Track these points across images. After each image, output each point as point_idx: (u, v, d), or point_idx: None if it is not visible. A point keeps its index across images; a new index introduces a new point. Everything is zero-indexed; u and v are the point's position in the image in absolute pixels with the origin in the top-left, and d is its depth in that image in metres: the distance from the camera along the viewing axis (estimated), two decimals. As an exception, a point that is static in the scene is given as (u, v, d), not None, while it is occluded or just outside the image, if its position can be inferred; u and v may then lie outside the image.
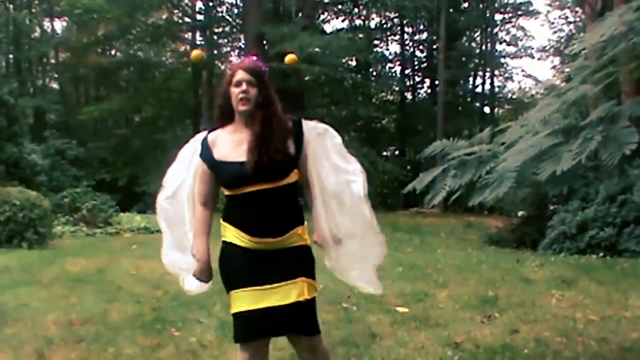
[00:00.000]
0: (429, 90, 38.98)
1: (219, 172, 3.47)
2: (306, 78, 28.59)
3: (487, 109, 37.45)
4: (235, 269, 3.49)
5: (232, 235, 3.47)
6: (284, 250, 3.46)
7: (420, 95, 39.82)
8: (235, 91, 3.44)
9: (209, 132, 3.59)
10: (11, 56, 33.79)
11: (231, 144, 3.47)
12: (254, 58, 3.59)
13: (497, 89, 38.59)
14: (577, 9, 31.78)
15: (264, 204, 3.40)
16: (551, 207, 15.87)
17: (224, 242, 3.54)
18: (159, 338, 5.59)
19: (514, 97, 39.65)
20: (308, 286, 3.49)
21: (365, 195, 3.59)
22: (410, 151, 35.30)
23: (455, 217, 23.44)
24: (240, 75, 3.45)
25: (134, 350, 5.25)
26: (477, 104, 37.80)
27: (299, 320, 3.48)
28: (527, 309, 6.52)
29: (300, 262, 3.51)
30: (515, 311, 6.40)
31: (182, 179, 3.67)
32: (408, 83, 38.96)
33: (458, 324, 5.92)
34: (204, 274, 3.58)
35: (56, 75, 37.25)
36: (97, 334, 5.73)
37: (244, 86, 3.42)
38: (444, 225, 21.02)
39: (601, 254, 11.31)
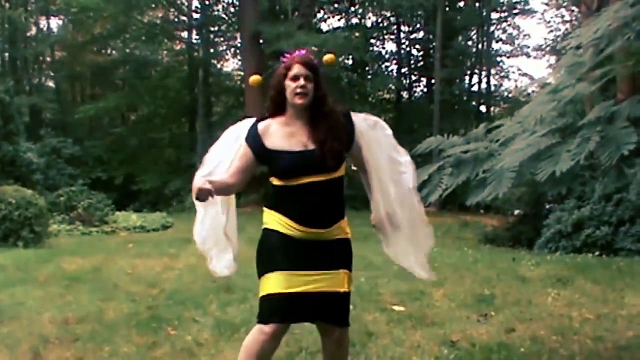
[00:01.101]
0: (425, 89, 38.97)
1: (272, 162, 3.49)
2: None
3: (483, 108, 37.47)
4: (276, 251, 3.49)
5: (278, 223, 3.50)
6: (327, 242, 3.50)
7: (416, 94, 39.82)
8: (292, 85, 3.46)
9: (258, 120, 3.59)
10: (7, 54, 33.73)
11: (284, 135, 3.50)
12: (305, 52, 3.62)
13: (493, 88, 38.63)
14: (574, 8, 31.86)
15: (318, 195, 3.45)
16: (547, 206, 15.92)
17: (266, 229, 3.56)
18: (155, 337, 5.58)
19: (510, 96, 39.64)
20: (349, 279, 3.56)
21: (415, 188, 3.70)
22: (406, 150, 35.22)
23: (452, 216, 23.46)
24: (298, 69, 3.47)
25: (130, 349, 5.24)
26: (474, 103, 37.82)
27: (335, 311, 3.53)
28: (523, 307, 6.53)
29: (343, 255, 3.57)
30: (512, 310, 6.40)
31: (221, 160, 3.66)
32: (404, 82, 38.97)
33: (454, 323, 5.92)
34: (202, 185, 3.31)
35: (52, 74, 37.21)
36: (93, 333, 5.72)
37: (302, 81, 3.45)
38: (440, 224, 21.00)
39: (597, 253, 11.34)
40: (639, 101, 4.31)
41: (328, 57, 3.92)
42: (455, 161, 5.00)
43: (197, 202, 3.63)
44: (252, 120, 3.63)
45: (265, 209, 3.60)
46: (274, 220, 3.52)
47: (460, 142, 5.29)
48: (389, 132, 3.74)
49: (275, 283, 3.45)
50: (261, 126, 3.55)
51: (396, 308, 6.50)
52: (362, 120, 3.66)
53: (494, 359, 4.89)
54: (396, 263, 3.83)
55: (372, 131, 3.66)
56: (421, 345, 5.20)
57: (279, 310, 3.44)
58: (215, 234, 3.74)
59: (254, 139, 3.52)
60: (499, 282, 7.86)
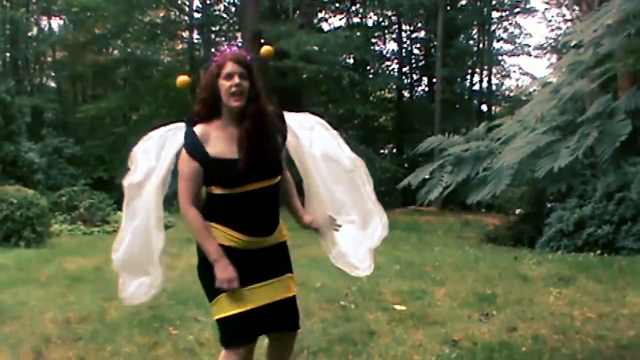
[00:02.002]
0: (426, 88, 39.01)
1: (214, 170, 3.25)
2: (303, 76, 28.55)
3: (484, 107, 37.47)
4: None
5: (220, 236, 3.31)
6: (269, 248, 3.39)
7: (417, 93, 39.83)
8: (226, 84, 3.23)
9: (192, 124, 3.32)
10: (8, 54, 33.70)
11: (226, 140, 3.28)
12: (236, 48, 3.41)
13: (494, 87, 38.62)
14: (575, 6, 31.82)
15: (261, 202, 3.30)
16: (549, 205, 15.92)
17: None
18: (157, 336, 5.59)
19: (511, 94, 39.66)
20: (293, 282, 3.51)
21: (368, 183, 3.58)
22: (407, 149, 35.22)
23: (453, 215, 23.46)
24: (231, 67, 3.24)
25: (131, 348, 5.25)
26: (475, 102, 37.82)
27: (287, 316, 3.46)
28: (524, 306, 6.53)
29: (284, 259, 3.49)
30: (513, 309, 6.41)
31: (151, 167, 3.35)
32: (405, 81, 38.96)
33: (456, 322, 5.92)
34: (230, 274, 3.25)
35: (53, 74, 37.23)
36: (94, 333, 5.73)
37: (237, 79, 3.22)
38: (441, 223, 21.03)
39: (599, 252, 11.33)
40: (636, 91, 4.32)
41: (265, 49, 3.70)
42: (455, 159, 5.02)
43: (125, 212, 3.45)
44: (182, 126, 3.36)
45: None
46: (216, 233, 3.32)
47: (461, 140, 5.31)
48: (332, 131, 3.56)
49: (229, 304, 3.29)
50: (199, 131, 3.28)
51: (397, 307, 6.50)
52: (296, 121, 3.51)
53: (495, 357, 4.89)
54: (333, 262, 3.69)
55: (306, 132, 3.51)
56: (422, 344, 5.21)
57: (242, 332, 3.33)
58: (136, 254, 3.47)
59: (197, 149, 3.25)
60: (500, 281, 7.86)
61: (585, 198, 12.99)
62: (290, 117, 3.50)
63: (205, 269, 3.36)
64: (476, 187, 4.94)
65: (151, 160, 3.36)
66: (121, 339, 5.50)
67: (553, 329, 5.65)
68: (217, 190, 3.31)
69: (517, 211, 19.16)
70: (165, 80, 34.44)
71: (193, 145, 3.26)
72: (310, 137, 3.51)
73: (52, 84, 37.82)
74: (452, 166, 4.97)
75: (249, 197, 3.27)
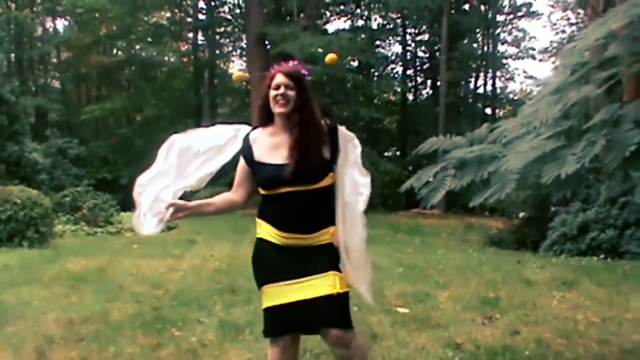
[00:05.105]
0: (430, 91, 39.05)
1: (256, 172, 3.59)
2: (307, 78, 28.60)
3: (488, 110, 37.51)
4: (266, 264, 3.59)
5: (265, 232, 3.58)
6: (315, 247, 3.52)
7: (421, 96, 39.88)
8: (272, 93, 3.55)
9: (252, 129, 3.72)
10: (13, 55, 33.78)
11: (269, 145, 3.59)
12: (295, 62, 3.69)
13: (498, 90, 38.67)
14: (579, 10, 31.83)
15: (296, 203, 3.49)
16: (552, 209, 15.87)
17: (257, 238, 3.64)
18: (160, 337, 5.58)
19: (516, 98, 39.64)
20: (340, 279, 3.50)
21: (362, 212, 3.59)
22: (411, 152, 35.23)
23: (456, 218, 23.45)
24: (279, 78, 3.55)
25: (134, 349, 5.25)
26: (479, 105, 37.87)
27: (330, 313, 3.47)
28: (527, 310, 6.52)
29: (331, 257, 3.53)
30: (516, 312, 6.40)
31: (210, 141, 3.75)
32: (410, 84, 39.02)
33: (459, 325, 5.91)
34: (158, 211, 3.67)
35: (58, 75, 37.34)
36: (97, 333, 5.73)
37: (282, 89, 3.52)
38: (444, 226, 21.02)
39: (602, 256, 11.31)
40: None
41: (328, 57, 3.97)
42: (458, 163, 4.98)
43: (164, 152, 3.98)
44: (247, 129, 3.75)
45: (256, 218, 3.67)
46: (261, 229, 3.61)
47: (463, 142, 5.27)
48: (359, 150, 3.68)
49: (269, 296, 3.55)
50: (252, 135, 3.67)
51: (400, 310, 6.49)
52: (344, 135, 3.63)
53: (498, 361, 4.88)
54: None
55: (348, 146, 3.63)
56: (425, 347, 5.20)
57: (278, 323, 3.55)
58: (157, 192, 3.83)
59: (245, 150, 3.64)
60: (503, 285, 7.85)
61: (589, 202, 12.97)
62: (342, 131, 3.64)
63: (255, 261, 3.67)
64: (479, 190, 4.91)
65: (209, 139, 3.79)
66: (124, 340, 5.50)
67: (556, 333, 5.64)
68: (260, 190, 3.62)
69: (521, 215, 19.11)
70: (170, 82, 34.55)
71: (244, 147, 3.66)
72: (346, 152, 3.63)
73: (57, 85, 37.95)
74: (456, 170, 4.94)
75: (283, 199, 3.51)
